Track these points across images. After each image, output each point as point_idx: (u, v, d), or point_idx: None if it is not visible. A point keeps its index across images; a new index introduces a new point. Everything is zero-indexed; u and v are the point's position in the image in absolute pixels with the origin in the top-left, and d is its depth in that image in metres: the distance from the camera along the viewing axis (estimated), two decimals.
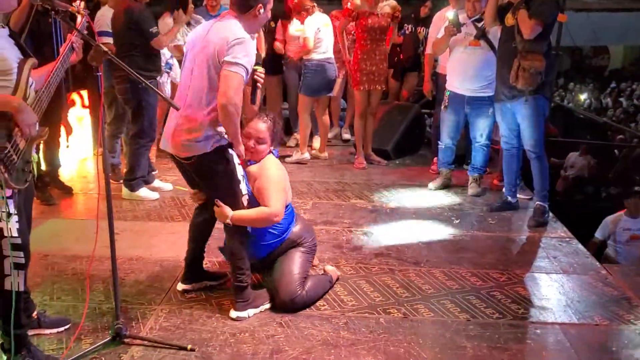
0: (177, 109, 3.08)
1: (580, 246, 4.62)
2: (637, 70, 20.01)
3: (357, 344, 3.16)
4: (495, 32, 5.24)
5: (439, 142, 5.99)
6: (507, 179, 5.39)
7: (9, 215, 2.64)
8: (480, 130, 5.65)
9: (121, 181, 5.50)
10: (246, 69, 3.13)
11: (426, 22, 7.02)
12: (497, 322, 3.43)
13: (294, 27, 6.97)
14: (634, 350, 3.19)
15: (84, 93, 6.72)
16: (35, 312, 3.17)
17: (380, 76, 6.46)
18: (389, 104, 7.68)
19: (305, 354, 3.06)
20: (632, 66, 21.24)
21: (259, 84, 3.61)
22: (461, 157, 6.46)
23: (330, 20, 6.72)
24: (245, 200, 3.37)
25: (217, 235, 3.78)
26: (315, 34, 6.43)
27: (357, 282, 3.88)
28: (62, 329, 3.23)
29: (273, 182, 3.46)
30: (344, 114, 8.32)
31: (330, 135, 7.58)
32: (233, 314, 3.38)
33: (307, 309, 3.50)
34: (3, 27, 2.75)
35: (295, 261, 3.56)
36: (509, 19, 4.80)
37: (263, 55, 6.68)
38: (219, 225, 3.57)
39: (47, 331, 3.19)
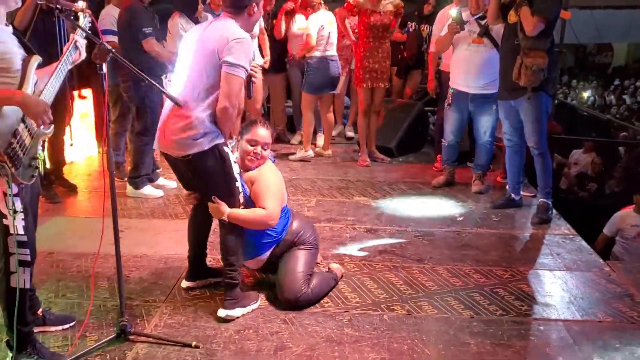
0: (180, 106, 3.08)
1: (583, 243, 4.62)
2: None
3: (361, 341, 3.17)
4: (498, 30, 5.23)
5: (443, 140, 6.00)
6: (511, 176, 5.39)
7: (15, 212, 2.66)
8: (483, 128, 5.65)
9: (125, 179, 5.52)
10: (246, 69, 3.18)
11: (430, 19, 7.01)
12: (500, 319, 3.43)
13: (297, 24, 6.98)
14: (637, 347, 3.19)
15: (89, 91, 6.77)
16: (40, 310, 3.18)
17: (383, 74, 6.46)
18: (393, 101, 7.68)
19: (309, 350, 3.07)
20: (635, 63, 21.18)
21: (253, 79, 3.63)
22: (464, 154, 6.47)
23: (335, 18, 6.72)
24: (241, 197, 3.37)
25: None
26: (319, 32, 6.43)
27: (360, 279, 3.89)
28: (67, 326, 3.25)
29: (270, 187, 3.46)
30: (347, 112, 8.32)
31: (334, 133, 7.59)
32: (222, 312, 3.35)
33: (311, 306, 3.50)
34: (7, 25, 2.76)
35: (299, 259, 3.57)
36: (512, 16, 4.80)
37: (268, 57, 6.69)
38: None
39: (53, 328, 3.21)
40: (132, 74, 4.92)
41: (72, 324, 3.26)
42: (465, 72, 5.55)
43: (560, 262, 4.27)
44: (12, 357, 2.85)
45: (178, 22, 5.66)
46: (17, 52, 2.70)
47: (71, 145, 5.98)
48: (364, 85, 6.46)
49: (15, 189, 2.65)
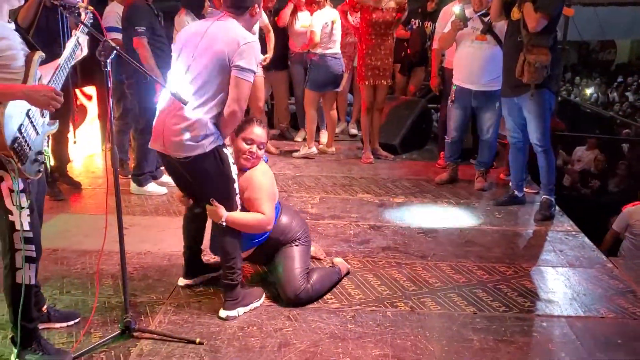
0: (185, 104, 3.07)
1: (586, 240, 4.63)
2: None
3: (364, 337, 3.18)
4: (501, 27, 5.24)
5: (446, 137, 6.00)
6: (514, 173, 5.39)
7: (21, 208, 2.68)
8: (486, 125, 5.66)
9: (129, 176, 5.53)
10: (255, 72, 3.19)
11: (433, 16, 7.01)
12: (503, 315, 3.44)
13: (300, 22, 6.98)
14: (639, 343, 3.20)
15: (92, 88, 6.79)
16: (45, 306, 3.20)
17: (386, 71, 6.46)
18: (396, 98, 7.68)
19: (312, 347, 3.08)
20: (638, 60, 21.15)
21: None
22: (468, 151, 6.47)
23: (339, 15, 6.71)
24: (238, 199, 3.35)
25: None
26: (323, 29, 6.42)
27: (364, 276, 3.90)
28: (71, 322, 3.26)
29: (263, 191, 3.44)
30: (351, 109, 8.33)
31: (337, 130, 7.59)
32: (222, 313, 3.35)
33: (315, 303, 3.52)
34: (9, 22, 2.77)
35: (294, 257, 3.56)
36: (515, 13, 4.80)
37: (271, 54, 6.69)
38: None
39: (57, 325, 3.22)
40: (135, 71, 4.95)
41: (76, 320, 3.28)
42: (469, 69, 5.55)
43: (563, 258, 4.28)
44: (17, 353, 2.87)
45: (184, 19, 5.67)
46: (20, 49, 2.71)
47: (74, 142, 5.99)
48: (366, 83, 6.46)
49: (21, 185, 2.66)
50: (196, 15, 5.60)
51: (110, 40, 2.86)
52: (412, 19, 7.39)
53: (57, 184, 5.43)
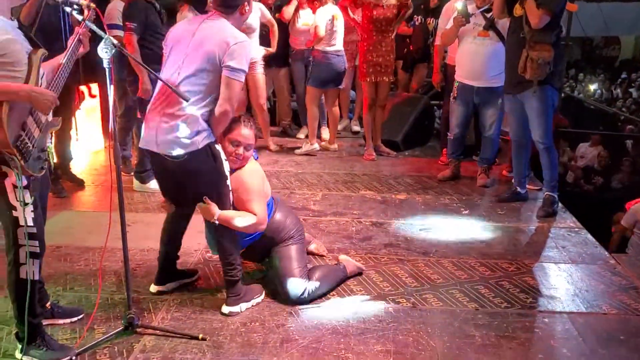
0: (187, 100, 3.07)
1: (589, 236, 4.62)
2: None
3: (366, 333, 3.19)
4: (504, 23, 5.22)
5: (448, 133, 6.00)
6: (516, 170, 5.39)
7: (25, 204, 2.69)
8: (489, 121, 5.65)
9: (132, 173, 5.55)
10: (246, 72, 3.18)
11: (436, 13, 7.00)
12: (505, 312, 3.45)
13: (302, 20, 6.98)
14: None
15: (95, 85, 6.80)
16: (49, 303, 3.22)
17: (387, 68, 6.45)
18: (398, 95, 7.68)
19: (315, 342, 3.09)
20: None
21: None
22: (470, 148, 6.47)
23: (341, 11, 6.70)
24: (231, 196, 3.33)
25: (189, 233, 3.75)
26: (327, 25, 6.41)
27: (366, 272, 3.90)
28: (75, 319, 3.27)
29: (253, 192, 3.40)
30: (353, 106, 8.33)
31: (339, 127, 7.59)
32: (225, 309, 3.35)
33: (317, 299, 3.52)
34: (12, 20, 2.78)
35: (291, 256, 3.55)
36: (517, 10, 4.79)
37: (273, 50, 6.70)
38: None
39: (61, 321, 3.24)
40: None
41: (80, 316, 3.29)
42: (471, 66, 5.55)
43: (565, 255, 4.28)
44: (21, 348, 2.89)
45: (186, 15, 5.67)
46: (23, 46, 2.72)
47: (77, 140, 6.00)
48: (368, 79, 6.46)
49: (24, 181, 2.67)
50: (199, 12, 5.60)
51: (111, 38, 2.87)
52: (415, 15, 7.37)
53: (60, 181, 5.44)
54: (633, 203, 6.01)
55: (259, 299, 3.49)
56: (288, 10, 7.01)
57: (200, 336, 3.10)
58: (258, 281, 3.73)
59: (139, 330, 3.14)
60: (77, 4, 2.95)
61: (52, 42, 4.38)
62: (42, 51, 2.79)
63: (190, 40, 3.18)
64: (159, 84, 3.22)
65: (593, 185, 8.95)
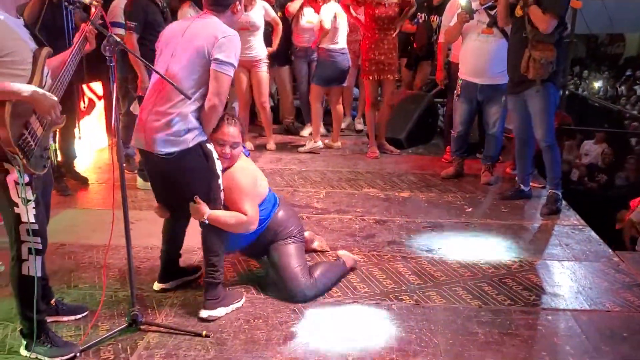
0: (189, 98, 3.07)
1: (593, 234, 4.61)
2: None
3: (369, 330, 3.19)
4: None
5: (452, 131, 5.99)
6: (520, 167, 5.39)
7: (27, 201, 2.70)
8: (492, 119, 5.65)
9: (135, 171, 5.56)
10: (234, 66, 3.16)
11: (439, 10, 6.97)
12: (508, 309, 3.45)
13: (306, 17, 6.98)
14: None
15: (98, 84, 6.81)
16: (53, 300, 3.23)
17: (391, 65, 6.44)
18: (402, 93, 7.67)
19: (318, 339, 3.10)
20: None
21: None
22: (474, 145, 6.46)
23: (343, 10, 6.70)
24: (222, 195, 3.30)
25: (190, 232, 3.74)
26: (331, 23, 6.40)
27: (369, 270, 3.91)
28: (79, 316, 3.29)
29: (244, 191, 3.36)
30: (357, 104, 8.32)
31: (343, 125, 7.59)
32: (204, 313, 3.28)
33: (320, 296, 3.52)
34: (18, 18, 2.79)
35: (291, 254, 3.54)
36: (518, 10, 4.77)
37: (274, 49, 6.70)
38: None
39: (65, 318, 3.26)
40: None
41: (84, 314, 3.31)
42: (475, 63, 5.54)
43: (569, 252, 4.27)
44: (25, 345, 2.90)
45: (187, 12, 5.67)
46: (28, 45, 2.73)
47: (79, 138, 6.00)
48: (370, 78, 6.46)
49: (26, 179, 2.69)
50: (200, 8, 5.60)
51: (115, 36, 2.88)
52: (418, 13, 7.35)
53: (64, 180, 5.46)
54: (637, 200, 6.01)
55: (238, 304, 3.42)
56: (294, 5, 7.01)
57: (204, 333, 3.11)
58: (259, 280, 3.75)
59: (142, 327, 3.15)
60: (81, 2, 2.96)
61: (55, 40, 4.39)
62: (47, 50, 2.80)
63: (181, 38, 3.19)
64: (152, 82, 3.23)
65: (597, 182, 8.93)
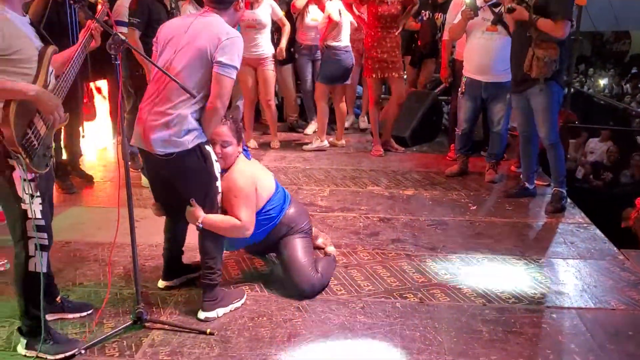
0: (195, 97, 3.06)
1: (598, 232, 4.60)
2: None
3: (374, 328, 3.20)
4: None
5: (456, 129, 5.99)
6: (524, 165, 5.38)
7: (32, 197, 2.71)
8: (497, 116, 5.63)
9: (140, 169, 5.57)
10: (237, 69, 3.13)
11: (444, 8, 6.96)
12: (513, 307, 3.44)
13: (311, 15, 6.97)
14: None
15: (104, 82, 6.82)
16: (58, 297, 3.24)
17: (395, 63, 6.41)
18: (406, 91, 7.64)
19: (322, 337, 3.10)
20: None
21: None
22: (478, 143, 6.45)
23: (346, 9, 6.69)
24: (219, 198, 3.29)
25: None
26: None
27: (373, 268, 3.91)
28: (84, 313, 3.30)
29: (240, 196, 3.33)
30: (360, 102, 8.31)
31: (347, 123, 7.58)
32: (201, 314, 3.27)
33: (324, 294, 3.54)
34: (24, 16, 2.80)
35: (299, 248, 3.55)
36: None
37: (283, 47, 6.69)
38: None
39: (70, 315, 3.27)
40: (141, 65, 5.00)
41: (89, 311, 3.32)
42: (479, 61, 5.53)
43: (573, 250, 4.26)
44: (25, 342, 2.91)
45: (187, 8, 5.67)
46: (34, 43, 2.74)
47: (83, 137, 6.00)
48: (374, 76, 6.45)
49: (30, 175, 2.70)
50: (200, 6, 5.61)
51: (120, 34, 2.88)
52: (423, 11, 7.34)
53: (69, 177, 5.47)
54: None
55: (238, 304, 3.41)
56: (300, 1, 6.99)
57: (208, 331, 3.12)
58: (263, 277, 3.75)
59: (147, 324, 3.16)
60: (87, 0, 2.96)
61: (60, 39, 4.40)
62: (52, 48, 2.80)
63: (182, 37, 3.14)
64: (151, 80, 3.21)
65: (602, 180, 8.89)
